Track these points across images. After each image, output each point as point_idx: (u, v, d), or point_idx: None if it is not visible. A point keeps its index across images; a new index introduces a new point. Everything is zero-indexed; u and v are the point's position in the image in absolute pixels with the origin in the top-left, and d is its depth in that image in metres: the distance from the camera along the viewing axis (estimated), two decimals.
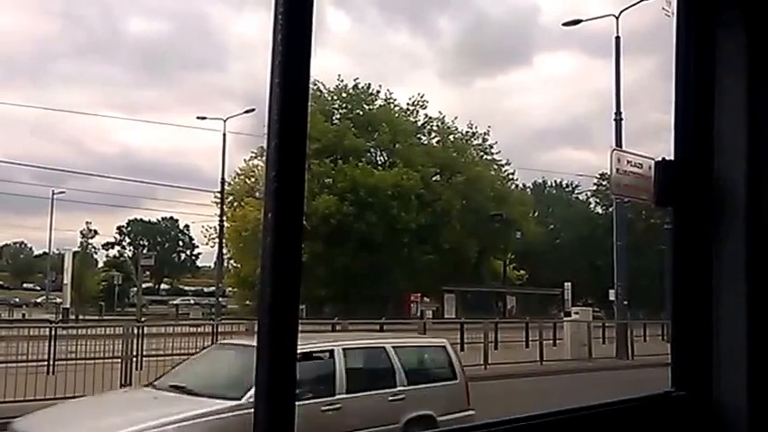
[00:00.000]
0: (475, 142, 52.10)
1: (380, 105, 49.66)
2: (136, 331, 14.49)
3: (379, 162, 49.24)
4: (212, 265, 53.98)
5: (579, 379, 16.35)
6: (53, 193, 55.75)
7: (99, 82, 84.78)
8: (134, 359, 13.56)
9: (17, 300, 57.75)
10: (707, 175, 1.50)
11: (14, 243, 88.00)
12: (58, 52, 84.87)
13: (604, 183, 53.00)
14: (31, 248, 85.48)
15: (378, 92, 49.68)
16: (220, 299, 41.42)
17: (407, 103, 50.40)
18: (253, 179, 48.16)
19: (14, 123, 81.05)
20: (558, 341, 22.40)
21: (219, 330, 17.25)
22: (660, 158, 1.54)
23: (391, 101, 50.05)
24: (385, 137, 48.11)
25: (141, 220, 78.40)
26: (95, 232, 59.02)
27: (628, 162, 17.54)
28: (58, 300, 44.64)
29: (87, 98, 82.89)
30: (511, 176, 54.10)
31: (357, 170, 44.54)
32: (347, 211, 42.83)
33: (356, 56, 68.92)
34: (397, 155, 48.02)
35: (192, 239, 78.86)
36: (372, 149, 49.14)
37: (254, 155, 49.08)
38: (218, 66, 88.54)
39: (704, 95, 1.52)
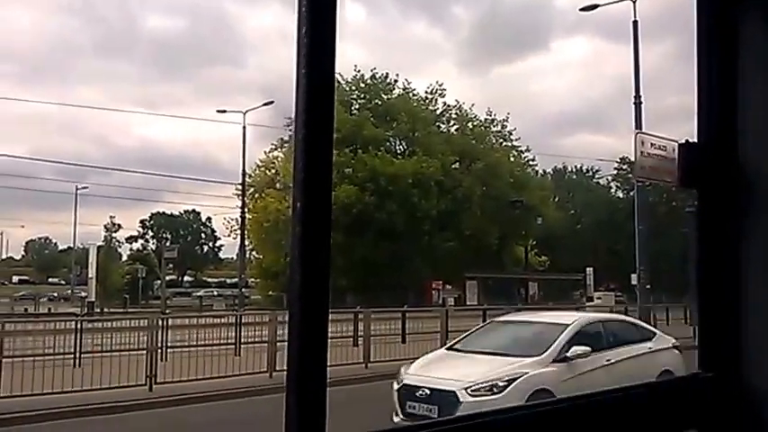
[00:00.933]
0: (494, 129, 52.07)
1: (399, 95, 49.74)
2: (160, 323, 14.58)
3: (399, 151, 49.34)
4: (235, 257, 54.53)
5: None
6: (77, 189, 56.54)
7: (119, 78, 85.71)
8: (159, 351, 13.64)
9: (55, 294, 58.59)
10: (732, 156, 1.49)
11: (39, 238, 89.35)
12: (79, 50, 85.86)
13: (625, 167, 52.60)
14: (55, 243, 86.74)
15: (396, 81, 49.86)
16: (243, 290, 41.71)
17: (426, 92, 50.56)
18: (273, 171, 48.45)
19: (38, 120, 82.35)
20: None
21: (243, 321, 17.37)
22: (684, 141, 1.54)
23: (409, 90, 50.20)
24: (404, 126, 48.16)
25: (164, 213, 79.06)
26: (119, 226, 59.53)
27: (652, 145, 17.38)
28: (83, 293, 45.29)
29: (108, 94, 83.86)
30: (531, 162, 54.00)
31: (377, 159, 44.60)
32: (368, 201, 42.92)
33: (373, 46, 68.78)
34: (417, 143, 48.07)
35: (215, 231, 79.75)
36: (391, 138, 49.23)
37: (273, 146, 49.60)
38: (236, 59, 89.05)
39: (727, 76, 1.50)
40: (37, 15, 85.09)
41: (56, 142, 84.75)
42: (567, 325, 10.00)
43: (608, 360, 9.73)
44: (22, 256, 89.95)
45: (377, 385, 12.33)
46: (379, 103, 48.82)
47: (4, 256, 79.68)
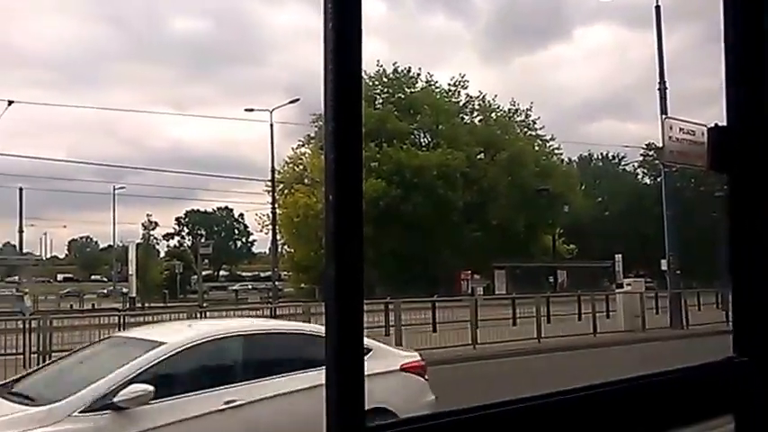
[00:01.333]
0: (518, 119, 52.01)
1: (422, 88, 49.84)
2: (199, 316, 14.88)
3: (423, 143, 49.46)
4: (267, 251, 55.04)
5: (634, 350, 16.24)
6: (114, 189, 57.58)
7: (151, 81, 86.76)
8: None
9: (105, 291, 59.58)
10: (762, 138, 1.47)
11: (81, 238, 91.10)
12: (112, 55, 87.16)
13: (651, 153, 52.04)
14: (96, 242, 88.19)
15: (418, 75, 49.97)
16: (276, 283, 42.21)
17: (449, 84, 50.65)
18: (301, 166, 48.82)
19: (76, 124, 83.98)
20: (610, 313, 22.23)
21: (277, 313, 17.64)
22: (713, 124, 1.53)
23: (432, 83, 50.33)
24: (428, 118, 48.32)
25: (198, 210, 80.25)
26: (156, 224, 60.38)
27: (680, 129, 17.18)
28: (125, 289, 46.23)
29: (140, 97, 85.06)
30: (556, 151, 53.70)
31: (402, 152, 44.77)
32: (394, 194, 43.11)
33: (394, 40, 68.59)
34: (441, 135, 48.15)
35: (247, 227, 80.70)
36: (416, 131, 49.35)
37: (300, 143, 50.02)
38: (261, 58, 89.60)
39: (755, 56, 1.47)
40: (72, 25, 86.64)
41: (93, 145, 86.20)
42: (160, 344, 6.15)
43: (229, 402, 6.00)
44: (66, 255, 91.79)
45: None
46: (403, 96, 48.92)
47: (48, 256, 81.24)
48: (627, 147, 59.65)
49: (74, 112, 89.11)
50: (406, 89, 49.47)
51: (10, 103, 28.24)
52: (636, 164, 60.14)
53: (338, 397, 0.91)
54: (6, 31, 77.18)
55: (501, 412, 1.12)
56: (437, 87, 50.39)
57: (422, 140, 49.83)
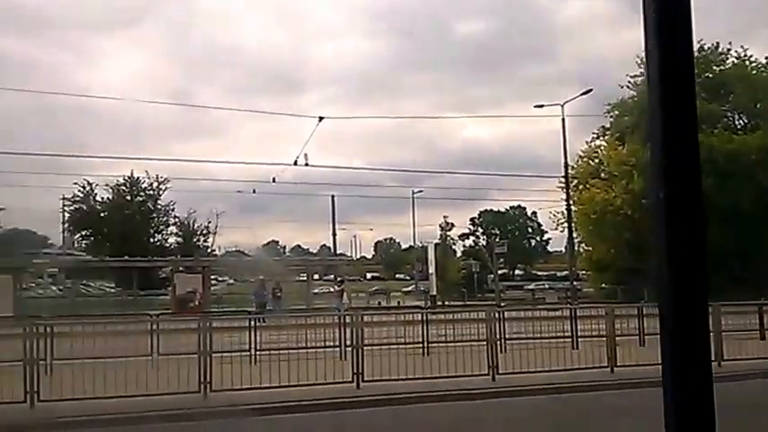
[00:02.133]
0: None
1: (733, 64, 45.62)
2: (497, 316, 14.86)
3: (739, 126, 45.03)
4: (563, 250, 54.22)
5: None
6: (413, 193, 61.70)
7: (439, 86, 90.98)
8: (498, 343, 13.84)
9: (408, 289, 63.89)
10: None
11: (385, 239, 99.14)
12: (401, 66, 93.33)
13: None
14: (399, 243, 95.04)
15: (728, 50, 45.62)
16: (575, 282, 41.29)
17: (766, 58, 45.22)
18: (596, 160, 47.14)
19: (375, 134, 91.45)
20: None
21: (578, 314, 17.09)
22: None
23: (745, 58, 45.68)
24: (743, 98, 44.27)
25: (491, 210, 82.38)
26: (452, 225, 62.92)
27: None
28: (426, 288, 48.86)
29: (430, 103, 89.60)
30: None
31: (713, 137, 41.08)
32: (705, 183, 39.28)
33: (697, 15, 62.85)
34: (761, 115, 43.43)
35: (541, 225, 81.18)
36: (729, 113, 45.21)
37: (595, 135, 48.26)
38: (548, 53, 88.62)
39: None
40: (365, 42, 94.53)
41: (392, 152, 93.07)
42: None
43: None
44: (372, 255, 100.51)
45: (738, 384, 11.24)
46: (711, 75, 44.93)
47: (358, 256, 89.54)
48: None
49: (373, 123, 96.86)
50: (714, 67, 45.40)
51: (321, 119, 31.19)
52: None
53: (678, 421, 0.82)
54: (315, 54, 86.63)
55: None
56: (752, 62, 45.55)
57: (737, 122, 45.40)
